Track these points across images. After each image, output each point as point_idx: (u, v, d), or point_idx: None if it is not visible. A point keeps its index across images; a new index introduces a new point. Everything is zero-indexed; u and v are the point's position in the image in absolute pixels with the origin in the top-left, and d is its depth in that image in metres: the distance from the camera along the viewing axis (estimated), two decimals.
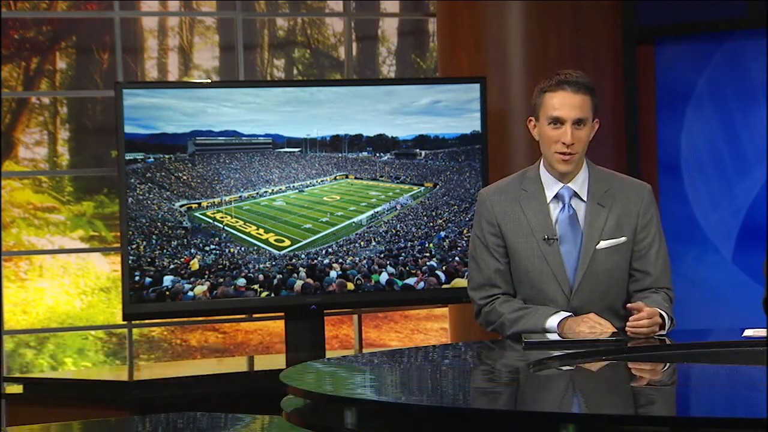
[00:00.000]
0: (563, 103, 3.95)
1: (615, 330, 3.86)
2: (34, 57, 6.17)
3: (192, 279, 5.25)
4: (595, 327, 3.89)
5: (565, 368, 3.41)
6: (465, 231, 5.46)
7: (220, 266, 5.28)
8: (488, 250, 4.07)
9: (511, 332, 3.99)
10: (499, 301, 4.05)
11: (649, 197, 4.07)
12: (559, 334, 3.90)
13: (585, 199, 4.02)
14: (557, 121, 3.95)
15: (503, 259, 4.06)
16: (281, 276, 5.32)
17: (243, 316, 6.04)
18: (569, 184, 4.01)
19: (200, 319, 6.13)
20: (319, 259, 5.38)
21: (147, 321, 5.69)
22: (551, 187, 4.03)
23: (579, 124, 3.95)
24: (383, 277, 5.41)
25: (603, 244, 3.99)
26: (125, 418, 4.29)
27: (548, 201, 4.02)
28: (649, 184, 4.13)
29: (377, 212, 5.55)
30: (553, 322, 3.93)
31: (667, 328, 3.92)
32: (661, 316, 3.89)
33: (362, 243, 5.44)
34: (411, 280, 5.43)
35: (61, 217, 6.19)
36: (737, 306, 5.74)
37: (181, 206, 5.31)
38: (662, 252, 4.06)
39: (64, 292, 6.19)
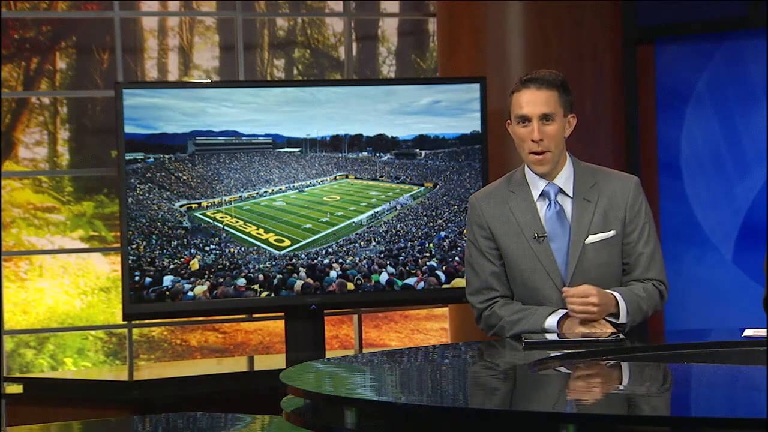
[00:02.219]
0: (528, 100, 3.99)
1: (614, 330, 3.87)
2: (34, 57, 6.17)
3: (192, 279, 5.25)
4: (594, 326, 3.89)
5: (564, 368, 3.41)
6: (465, 231, 5.45)
7: (220, 266, 5.28)
8: (482, 254, 4.09)
9: (511, 334, 4.00)
10: (498, 305, 4.06)
11: (636, 189, 4.07)
12: (558, 334, 3.90)
13: (571, 195, 4.03)
14: (524, 119, 3.99)
15: (498, 262, 4.08)
16: (281, 276, 5.32)
17: (243, 316, 6.04)
18: (554, 181, 4.04)
19: (200, 319, 6.13)
20: (319, 259, 5.38)
21: (147, 321, 5.69)
22: (537, 185, 4.05)
23: (546, 119, 3.98)
24: (383, 277, 5.41)
25: (591, 238, 4.01)
26: (125, 418, 4.29)
27: (535, 199, 4.05)
28: (636, 177, 4.13)
29: (377, 212, 5.55)
30: (552, 321, 3.94)
31: (622, 316, 3.92)
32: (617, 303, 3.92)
33: (362, 243, 5.44)
34: (411, 280, 5.43)
35: (61, 217, 6.19)
36: (737, 306, 5.74)
37: (181, 206, 5.31)
38: (652, 244, 4.05)
39: (64, 292, 6.20)
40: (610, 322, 3.93)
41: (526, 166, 4.08)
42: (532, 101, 3.99)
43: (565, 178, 4.05)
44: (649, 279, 4.04)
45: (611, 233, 4.02)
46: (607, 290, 3.92)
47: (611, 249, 4.03)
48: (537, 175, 4.05)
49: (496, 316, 4.05)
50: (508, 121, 4.08)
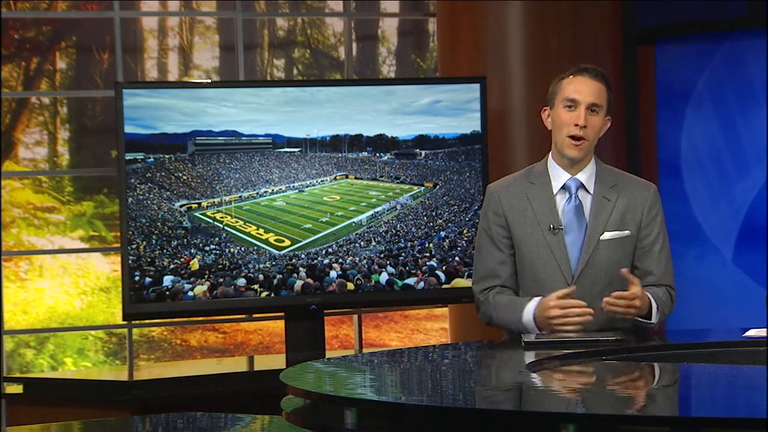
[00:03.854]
0: (580, 87, 4.03)
1: (584, 305, 3.87)
2: (34, 57, 6.17)
3: (192, 279, 5.25)
4: (562, 307, 3.90)
5: (565, 368, 3.41)
6: (465, 231, 5.46)
7: (220, 266, 5.28)
8: (493, 242, 4.11)
9: (496, 325, 4.05)
10: (493, 293, 4.08)
11: (655, 196, 4.12)
12: (537, 326, 3.94)
13: (591, 191, 4.05)
14: (572, 103, 4.00)
15: (508, 251, 4.10)
16: (281, 276, 5.32)
17: (243, 316, 6.04)
18: (577, 176, 4.06)
19: (200, 319, 6.13)
20: (319, 259, 5.38)
21: (147, 321, 5.69)
22: (559, 178, 4.07)
23: (593, 110, 4.01)
24: (383, 277, 5.41)
25: (607, 235, 4.03)
26: (125, 418, 4.29)
27: (555, 192, 4.07)
28: (654, 185, 4.17)
29: (377, 212, 5.55)
30: (528, 315, 3.97)
31: (653, 316, 3.94)
32: (650, 304, 3.95)
33: (362, 243, 5.44)
34: (411, 280, 5.43)
35: (61, 217, 6.19)
36: (737, 306, 5.74)
37: (181, 206, 5.31)
38: (665, 251, 4.10)
39: (64, 292, 6.20)
40: (640, 321, 3.96)
41: (550, 158, 4.10)
42: (584, 89, 4.02)
43: (588, 174, 4.08)
44: (663, 285, 4.07)
45: (626, 232, 4.06)
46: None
47: (624, 249, 4.05)
48: (561, 168, 4.06)
49: (488, 304, 4.09)
50: (545, 108, 4.09)
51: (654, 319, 3.97)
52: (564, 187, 4.07)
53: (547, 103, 4.11)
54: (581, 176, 4.07)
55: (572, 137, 4.01)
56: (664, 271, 4.09)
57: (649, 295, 3.98)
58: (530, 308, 3.98)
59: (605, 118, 4.07)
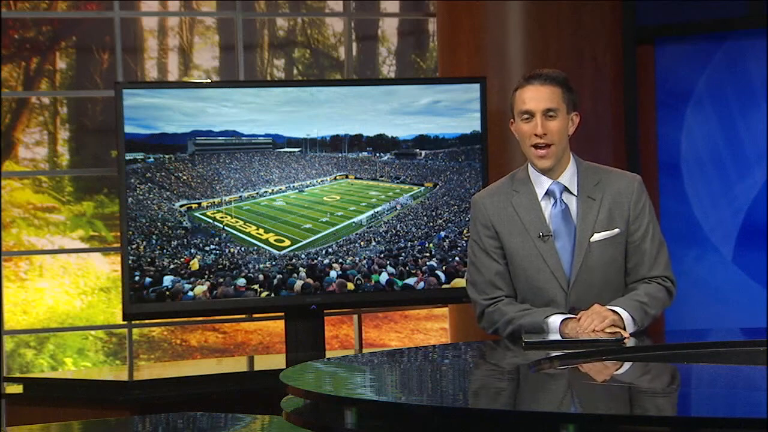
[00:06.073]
0: (531, 96, 4.00)
1: (618, 330, 3.84)
2: (34, 57, 6.17)
3: (192, 279, 5.25)
4: (596, 319, 3.86)
5: (565, 368, 3.41)
6: (465, 231, 5.46)
7: (220, 266, 5.28)
8: (487, 254, 4.09)
9: (513, 328, 3.98)
10: (504, 302, 4.05)
11: (640, 188, 4.08)
12: (560, 333, 3.89)
13: (576, 193, 4.04)
14: (528, 114, 3.99)
15: (502, 261, 4.08)
16: (281, 276, 5.32)
17: (243, 316, 6.04)
18: (558, 180, 4.04)
19: (200, 319, 6.13)
20: (319, 259, 5.38)
21: (147, 321, 5.69)
22: (541, 184, 4.05)
23: (550, 115, 3.98)
24: (383, 277, 5.41)
25: (597, 236, 4.01)
26: (125, 418, 4.29)
27: (539, 198, 4.05)
28: (639, 176, 4.14)
29: (377, 212, 5.55)
30: (555, 320, 3.92)
31: (628, 325, 3.90)
32: (618, 313, 3.90)
33: (362, 243, 5.44)
34: (411, 280, 5.43)
35: (61, 217, 6.19)
36: (737, 306, 5.74)
37: (181, 206, 5.31)
38: (657, 242, 4.06)
39: (64, 292, 6.20)
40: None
41: (529, 164, 4.08)
42: (535, 97, 3.99)
43: (569, 176, 4.05)
44: (654, 277, 4.04)
45: (616, 231, 4.03)
46: (608, 307, 3.91)
47: (616, 247, 4.03)
48: (541, 174, 4.05)
49: (500, 312, 4.03)
50: (512, 120, 4.07)
51: (631, 329, 3.90)
52: (548, 193, 4.05)
53: (511, 116, 4.09)
54: (563, 179, 4.05)
55: (536, 147, 4.00)
56: (657, 262, 4.05)
57: (617, 309, 3.91)
58: (559, 317, 3.95)
59: (569, 117, 4.03)
